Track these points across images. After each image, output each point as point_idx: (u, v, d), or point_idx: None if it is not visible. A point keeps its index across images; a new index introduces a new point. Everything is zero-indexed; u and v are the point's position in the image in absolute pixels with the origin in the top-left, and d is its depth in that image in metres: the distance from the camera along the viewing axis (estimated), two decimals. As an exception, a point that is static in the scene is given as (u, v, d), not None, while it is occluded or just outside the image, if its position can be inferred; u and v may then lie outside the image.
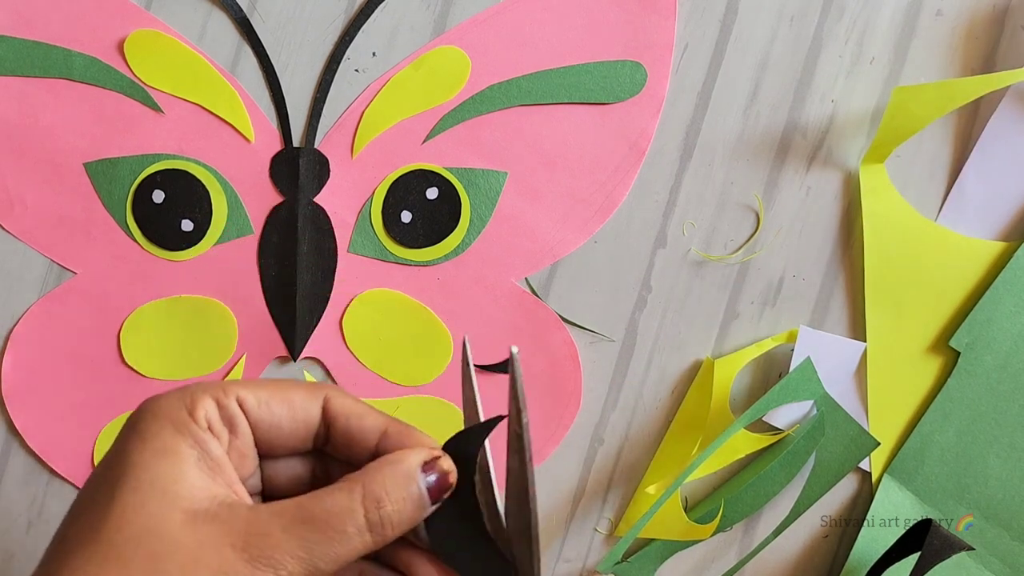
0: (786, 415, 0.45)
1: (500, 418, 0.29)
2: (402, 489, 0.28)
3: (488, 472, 0.29)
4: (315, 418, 0.29)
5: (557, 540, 0.46)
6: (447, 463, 0.29)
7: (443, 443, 0.30)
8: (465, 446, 0.29)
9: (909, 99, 0.42)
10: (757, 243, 0.45)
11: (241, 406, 0.28)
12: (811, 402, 0.45)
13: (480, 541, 0.29)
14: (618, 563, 0.45)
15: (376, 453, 0.29)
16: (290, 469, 0.30)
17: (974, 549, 0.41)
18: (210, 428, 0.28)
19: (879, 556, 0.44)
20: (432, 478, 0.28)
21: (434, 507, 0.28)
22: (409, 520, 0.28)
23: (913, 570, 0.41)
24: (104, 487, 0.26)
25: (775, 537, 0.45)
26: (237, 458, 0.28)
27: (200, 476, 0.27)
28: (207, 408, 0.28)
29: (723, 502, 0.45)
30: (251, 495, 0.29)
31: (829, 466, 0.45)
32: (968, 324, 0.44)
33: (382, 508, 0.27)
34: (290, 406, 0.29)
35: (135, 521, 0.25)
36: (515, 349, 0.28)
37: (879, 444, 0.44)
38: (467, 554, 0.29)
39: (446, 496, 0.29)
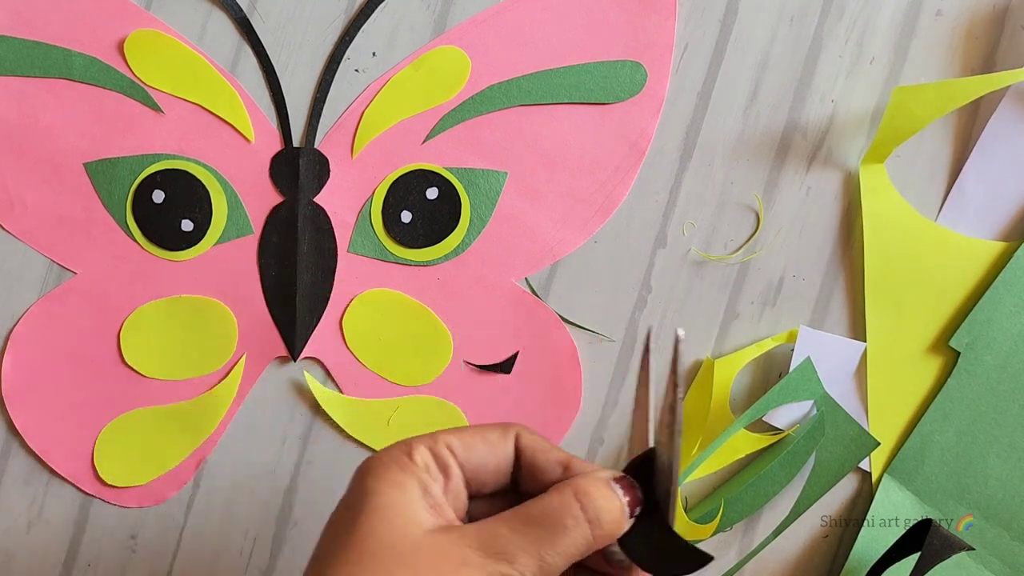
0: (786, 415, 0.45)
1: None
2: (604, 491, 0.30)
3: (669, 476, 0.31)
4: (510, 454, 0.32)
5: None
6: (631, 480, 0.31)
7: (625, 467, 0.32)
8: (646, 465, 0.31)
9: (909, 99, 0.42)
10: (757, 243, 0.45)
11: (450, 451, 0.31)
12: (811, 402, 0.45)
13: (671, 544, 0.31)
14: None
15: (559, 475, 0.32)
16: (490, 509, 0.32)
17: (974, 549, 0.41)
18: (427, 472, 0.30)
19: (879, 556, 0.44)
20: (624, 490, 0.31)
21: (631, 520, 0.31)
22: (614, 523, 0.30)
23: (913, 570, 0.41)
24: (348, 513, 0.29)
25: (775, 537, 0.45)
26: (452, 500, 0.31)
27: (426, 509, 0.29)
28: (423, 454, 0.30)
29: (723, 502, 0.45)
30: None
31: (829, 466, 0.45)
32: (968, 324, 0.44)
33: (594, 501, 0.30)
34: (489, 445, 0.32)
35: (383, 531, 0.28)
36: (681, 332, 0.31)
37: (879, 444, 0.44)
38: (661, 557, 0.31)
39: (638, 511, 0.31)
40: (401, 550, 0.28)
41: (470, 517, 0.32)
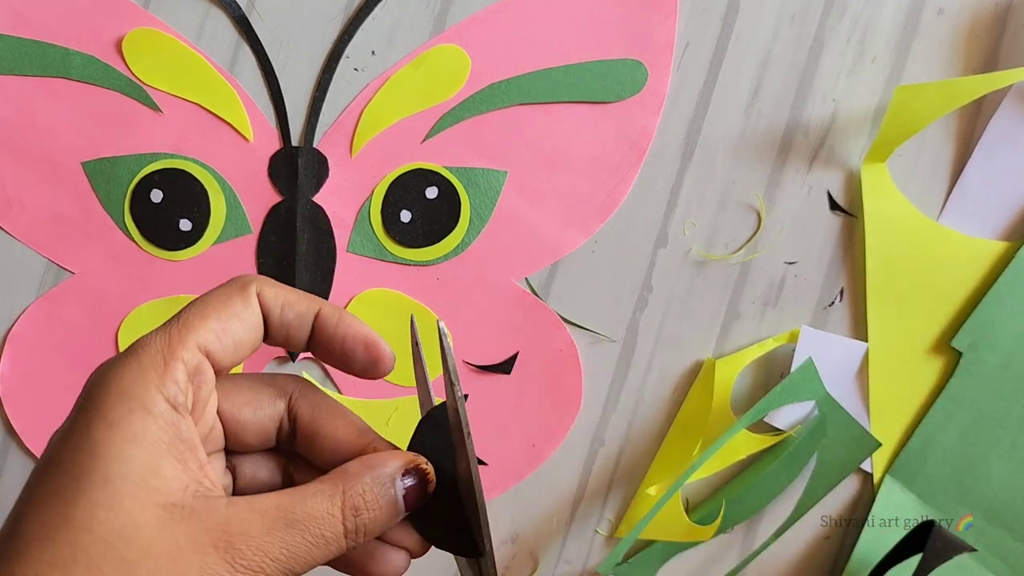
0: (787, 416, 0.45)
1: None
2: (381, 496, 0.27)
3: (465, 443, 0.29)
4: (258, 318, 0.28)
5: (557, 541, 0.46)
6: (427, 468, 0.28)
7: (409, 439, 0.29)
8: (433, 439, 0.29)
9: (911, 98, 0.42)
10: (759, 243, 0.45)
11: (205, 351, 0.26)
12: (812, 403, 0.45)
13: (457, 525, 0.29)
14: (619, 564, 0.45)
15: (343, 446, 0.28)
16: (258, 468, 0.30)
17: (976, 551, 0.41)
18: (178, 399, 0.25)
19: (881, 557, 0.44)
20: (411, 482, 0.27)
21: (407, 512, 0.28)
22: (383, 526, 0.27)
23: (915, 572, 0.41)
24: (66, 478, 0.24)
25: (776, 538, 0.44)
26: (199, 417, 0.27)
27: (173, 465, 0.24)
28: (177, 377, 0.25)
29: (724, 503, 0.44)
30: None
31: (831, 467, 0.44)
32: (970, 324, 0.44)
33: (359, 516, 0.26)
34: (240, 320, 0.27)
35: (107, 521, 0.23)
36: (442, 324, 0.29)
37: (880, 445, 0.44)
38: (444, 532, 0.29)
39: (422, 503, 0.28)
40: (127, 550, 0.23)
41: (234, 474, 0.29)
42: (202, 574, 0.24)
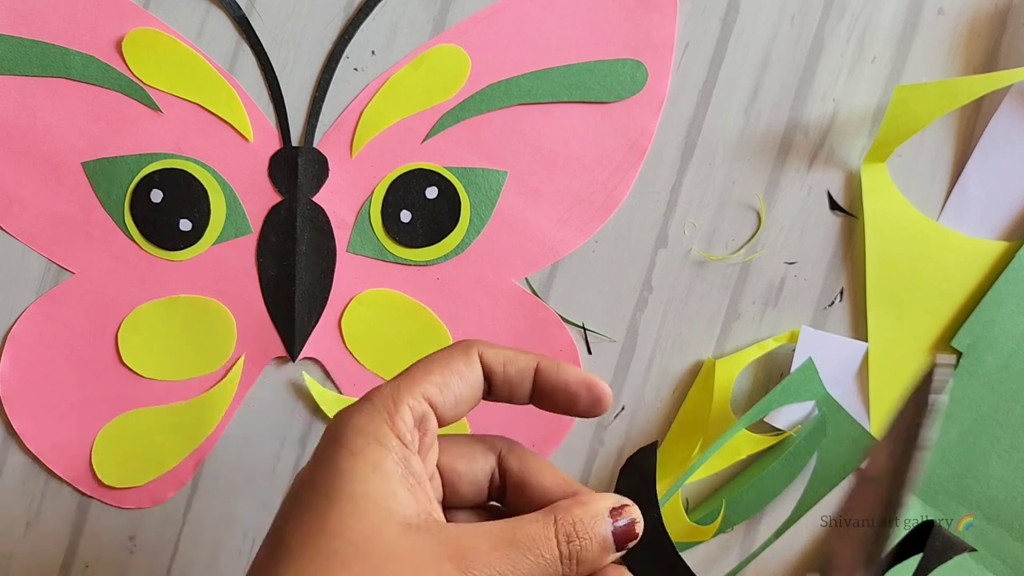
0: (787, 416, 0.45)
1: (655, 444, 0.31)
2: (591, 527, 0.29)
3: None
4: (480, 376, 0.31)
5: (557, 541, 0.46)
6: (635, 511, 0.30)
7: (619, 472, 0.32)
8: (635, 484, 0.31)
9: (911, 98, 0.42)
10: (758, 243, 0.45)
11: (429, 401, 0.29)
12: (812, 403, 0.45)
13: (669, 562, 0.31)
14: None
15: (552, 496, 0.31)
16: (471, 521, 0.32)
17: (976, 551, 0.41)
18: (408, 439, 0.28)
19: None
20: (621, 523, 0.29)
21: (619, 554, 0.29)
22: (595, 561, 0.29)
23: (915, 572, 0.41)
24: (318, 496, 0.27)
25: (776, 538, 0.44)
26: (425, 454, 0.29)
27: (406, 493, 0.28)
28: (406, 419, 0.28)
29: (724, 503, 0.44)
30: None
31: (831, 467, 0.44)
32: (970, 325, 0.44)
33: (571, 543, 0.28)
34: (461, 378, 0.30)
35: (355, 528, 0.26)
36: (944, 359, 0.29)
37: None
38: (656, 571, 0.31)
39: (632, 545, 0.30)
40: (373, 553, 0.26)
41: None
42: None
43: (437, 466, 0.31)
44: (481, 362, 0.31)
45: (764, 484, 0.45)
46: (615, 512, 0.30)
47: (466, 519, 0.32)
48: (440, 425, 0.30)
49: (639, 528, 0.30)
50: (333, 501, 0.27)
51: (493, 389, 0.32)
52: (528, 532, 0.28)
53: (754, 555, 0.45)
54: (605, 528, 0.29)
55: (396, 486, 0.27)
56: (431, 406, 0.29)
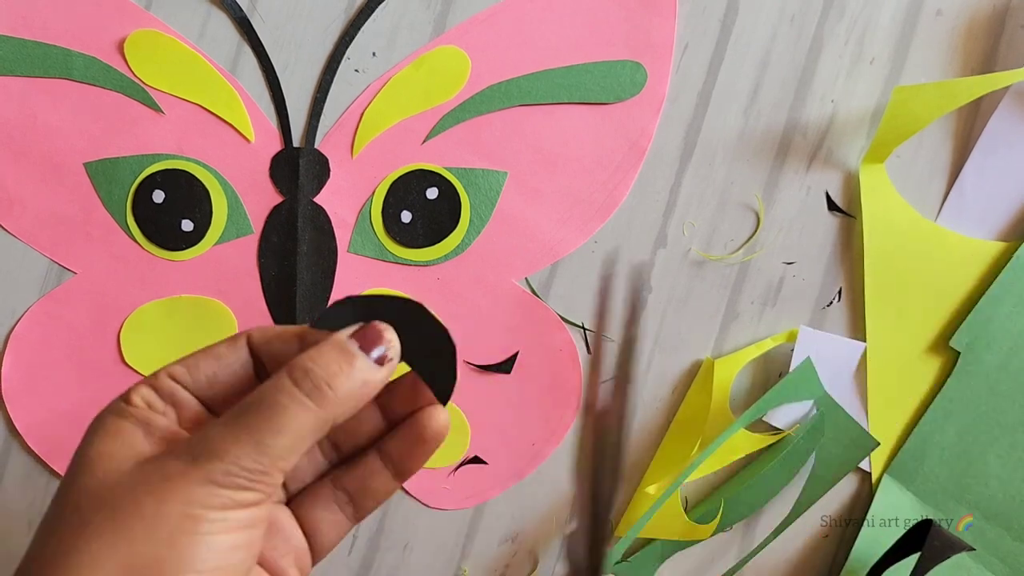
0: (786, 415, 0.45)
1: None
2: (328, 352, 0.28)
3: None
4: (244, 358, 0.30)
5: (557, 541, 0.46)
6: (377, 327, 0.29)
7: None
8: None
9: (909, 98, 0.42)
10: (757, 243, 0.45)
11: (174, 379, 0.29)
12: (811, 402, 0.45)
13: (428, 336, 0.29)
14: (618, 563, 0.45)
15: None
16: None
17: (975, 550, 0.41)
18: (149, 409, 0.28)
19: (879, 556, 0.44)
20: (360, 336, 0.28)
21: (374, 357, 0.28)
22: (344, 375, 0.27)
23: (913, 570, 0.41)
24: (65, 482, 0.27)
25: (775, 537, 0.45)
26: (194, 425, 0.29)
27: (151, 446, 0.27)
28: (142, 394, 0.28)
29: (723, 502, 0.45)
30: None
31: (829, 466, 0.45)
32: (968, 324, 0.44)
33: (310, 372, 0.27)
34: (217, 358, 0.29)
35: (85, 482, 0.26)
36: None
37: (879, 444, 0.44)
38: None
39: (388, 354, 0.28)
40: (101, 493, 0.26)
41: None
42: (166, 477, 0.26)
43: (184, 387, 0.30)
44: (249, 344, 0.30)
45: (762, 483, 0.45)
46: (355, 334, 0.28)
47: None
48: (207, 406, 0.29)
49: (387, 332, 0.29)
50: (70, 473, 0.27)
51: (267, 366, 0.30)
52: (258, 391, 0.27)
53: (753, 553, 0.45)
54: (343, 340, 0.28)
55: (136, 442, 0.27)
56: (177, 381, 0.29)
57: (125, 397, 0.28)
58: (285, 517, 0.31)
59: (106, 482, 0.26)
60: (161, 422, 0.28)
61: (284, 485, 0.31)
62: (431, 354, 0.29)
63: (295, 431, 0.26)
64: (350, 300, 0.29)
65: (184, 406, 0.29)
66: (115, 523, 0.25)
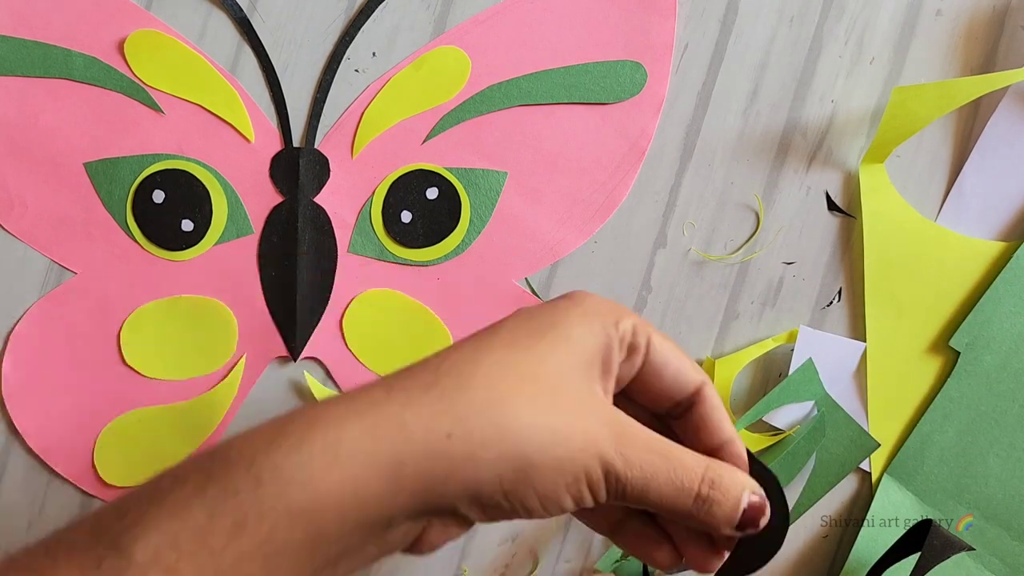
0: (786, 416, 0.45)
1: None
2: (732, 490, 0.31)
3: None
4: (690, 386, 0.32)
5: (557, 540, 0.46)
6: (767, 506, 0.32)
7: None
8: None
9: (909, 98, 0.42)
10: (757, 243, 0.45)
11: (648, 344, 0.31)
12: (812, 403, 0.45)
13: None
14: (617, 561, 0.45)
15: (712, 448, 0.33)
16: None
17: (974, 549, 0.41)
18: (620, 341, 0.31)
19: (879, 556, 0.44)
20: (756, 502, 0.31)
21: (736, 533, 0.31)
22: (718, 518, 0.31)
23: (913, 570, 0.41)
24: (536, 324, 0.30)
25: None
26: (623, 374, 0.32)
27: (598, 366, 0.30)
28: (626, 327, 0.31)
29: None
30: None
31: (829, 467, 0.45)
32: (968, 324, 0.44)
33: (713, 490, 0.30)
34: (677, 372, 0.32)
35: (553, 359, 0.29)
36: None
37: (879, 445, 0.44)
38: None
39: (749, 531, 0.31)
40: (555, 382, 0.29)
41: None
42: (585, 431, 0.29)
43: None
44: (698, 391, 0.33)
45: None
46: (754, 494, 0.31)
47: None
48: (643, 385, 0.32)
49: (763, 521, 0.31)
50: (547, 331, 0.30)
51: (691, 416, 0.33)
52: (684, 456, 0.30)
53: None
54: (742, 499, 0.31)
55: (594, 356, 0.30)
56: (647, 350, 0.31)
57: (617, 317, 0.31)
58: None
59: (563, 373, 0.29)
60: (615, 357, 0.31)
61: None
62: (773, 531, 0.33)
63: (664, 499, 0.30)
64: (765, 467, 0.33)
65: (632, 362, 0.31)
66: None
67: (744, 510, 0.31)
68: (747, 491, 0.31)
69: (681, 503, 0.30)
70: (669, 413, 0.33)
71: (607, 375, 0.31)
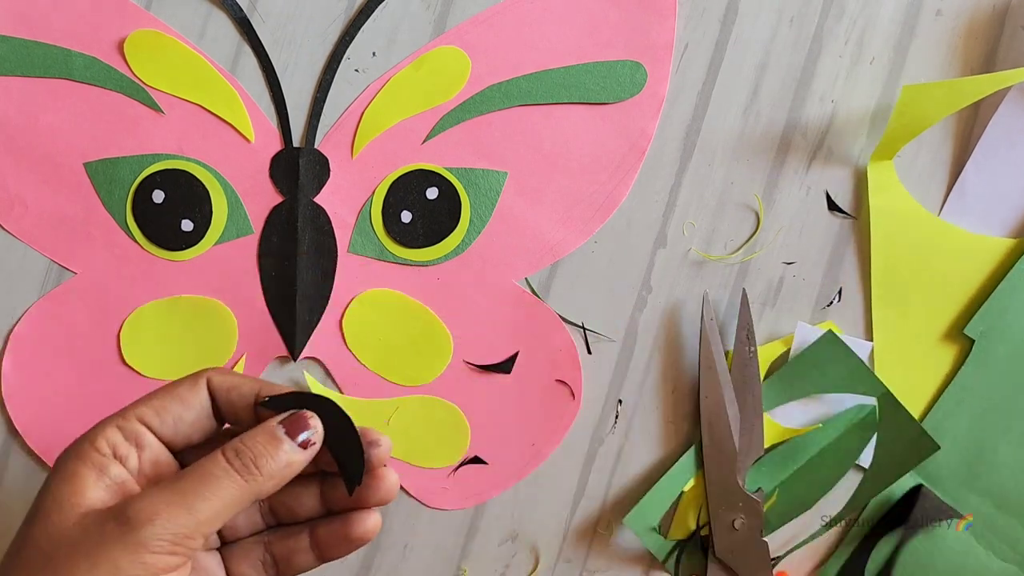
0: (799, 414, 0.45)
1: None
2: (259, 434, 0.32)
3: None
4: (205, 399, 0.33)
5: (557, 540, 0.46)
6: (302, 416, 0.33)
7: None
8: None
9: (918, 97, 0.42)
10: (757, 243, 0.45)
11: (143, 422, 0.32)
12: (815, 401, 0.45)
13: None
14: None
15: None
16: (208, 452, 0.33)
17: (964, 516, 0.42)
18: (115, 453, 0.32)
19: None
20: (288, 419, 0.33)
21: (299, 442, 0.32)
22: (270, 456, 0.32)
23: (904, 530, 0.41)
24: (22, 527, 0.31)
25: (825, 531, 0.45)
26: (151, 467, 0.32)
27: (100, 493, 0.31)
28: (108, 436, 0.32)
29: (777, 490, 0.44)
30: None
31: (887, 467, 0.44)
32: (983, 313, 0.44)
33: (241, 452, 0.31)
34: (181, 401, 0.33)
35: (38, 531, 0.30)
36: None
37: (939, 448, 0.43)
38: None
39: (311, 439, 0.33)
40: (47, 549, 0.30)
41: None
42: (101, 541, 0.29)
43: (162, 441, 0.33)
44: (209, 387, 0.34)
45: (813, 479, 0.45)
46: (283, 422, 0.33)
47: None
48: (169, 445, 0.33)
49: (310, 433, 0.32)
50: (31, 513, 0.31)
51: (222, 412, 0.34)
52: (199, 461, 0.31)
53: (795, 548, 0.45)
54: (274, 426, 0.32)
55: (87, 487, 0.31)
56: (145, 425, 0.32)
57: (92, 438, 0.31)
58: (214, 564, 0.35)
59: (52, 537, 0.30)
60: (114, 472, 0.31)
61: (220, 533, 0.36)
62: (347, 446, 0.33)
63: (222, 499, 0.31)
64: (293, 394, 0.33)
65: (147, 448, 0.32)
66: None
67: (289, 431, 0.32)
68: (272, 424, 0.32)
69: (238, 488, 0.31)
70: (208, 440, 0.34)
71: (112, 482, 0.31)
